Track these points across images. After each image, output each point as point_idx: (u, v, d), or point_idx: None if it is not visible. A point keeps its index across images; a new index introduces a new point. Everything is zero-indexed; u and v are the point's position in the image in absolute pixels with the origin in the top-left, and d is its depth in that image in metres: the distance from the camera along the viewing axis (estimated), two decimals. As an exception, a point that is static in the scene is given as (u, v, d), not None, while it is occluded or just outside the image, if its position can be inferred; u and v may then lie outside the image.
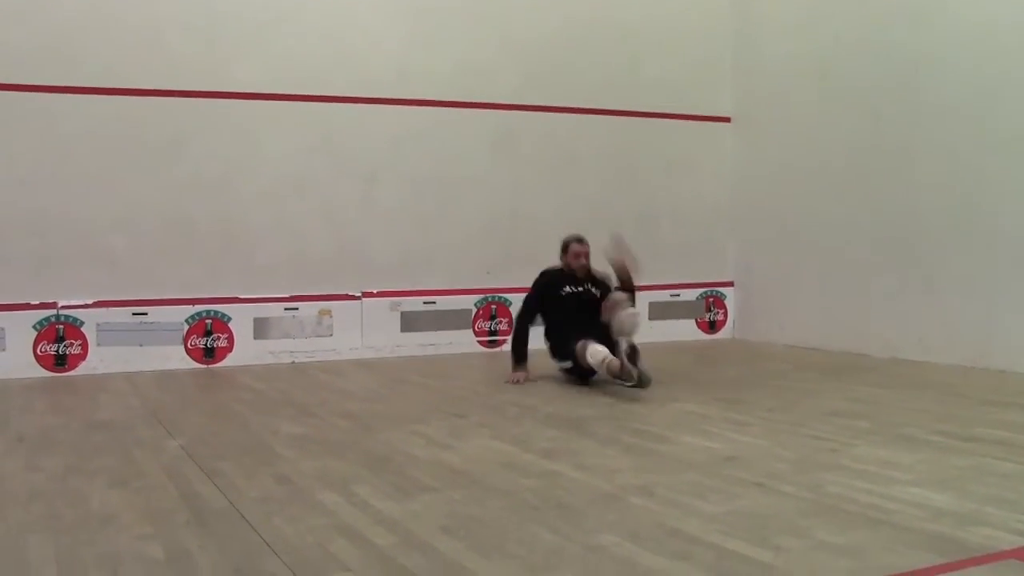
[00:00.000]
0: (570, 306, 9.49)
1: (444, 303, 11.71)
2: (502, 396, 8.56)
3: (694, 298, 12.89)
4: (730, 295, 13.05)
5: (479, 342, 11.84)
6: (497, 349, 11.79)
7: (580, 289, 9.58)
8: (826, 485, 5.25)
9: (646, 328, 11.69)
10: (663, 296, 12.41)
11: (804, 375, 9.75)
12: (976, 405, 7.92)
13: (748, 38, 13.09)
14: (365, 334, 11.33)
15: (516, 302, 11.62)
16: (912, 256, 10.76)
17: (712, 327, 13.00)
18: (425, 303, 11.59)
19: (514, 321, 10.05)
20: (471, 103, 11.81)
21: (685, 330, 12.76)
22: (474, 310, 11.84)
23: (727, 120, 13.00)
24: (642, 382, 8.46)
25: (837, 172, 11.58)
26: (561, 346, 9.30)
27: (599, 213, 11.99)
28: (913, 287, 10.75)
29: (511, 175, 12.10)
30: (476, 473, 5.67)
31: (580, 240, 9.74)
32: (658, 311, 12.39)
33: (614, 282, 9.55)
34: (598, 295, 9.48)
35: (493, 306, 11.88)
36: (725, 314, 13.10)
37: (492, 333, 11.85)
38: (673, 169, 12.51)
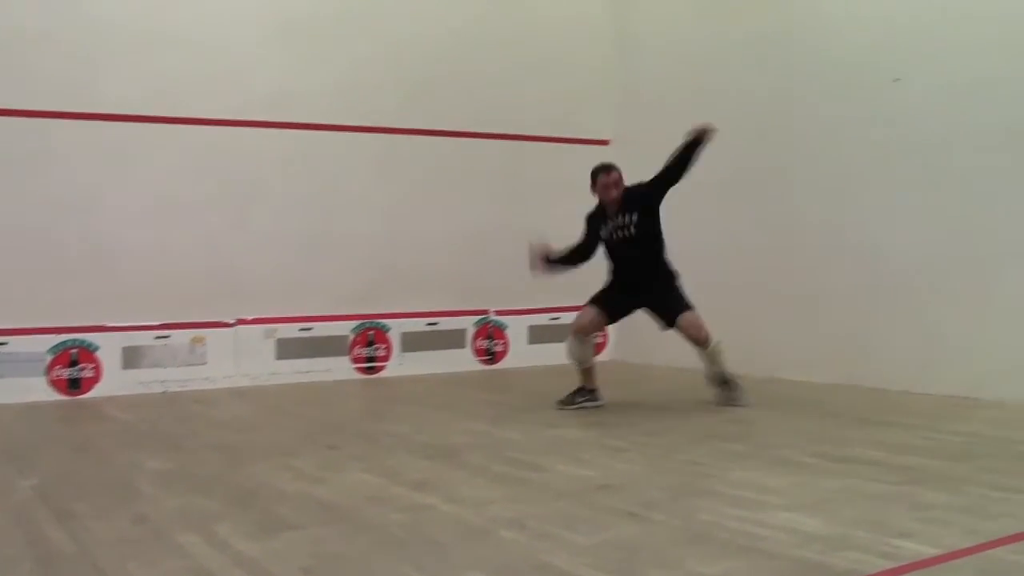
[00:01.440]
0: (612, 249, 9.02)
1: (321, 329, 11.50)
2: (377, 425, 8.46)
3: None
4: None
5: (356, 369, 11.65)
6: (376, 376, 11.62)
7: (619, 222, 8.93)
8: (699, 512, 5.18)
9: (527, 352, 11.67)
10: (543, 319, 12.34)
11: (682, 397, 9.71)
12: (851, 424, 7.97)
13: (628, 60, 13.12)
14: (240, 362, 11.09)
15: (394, 328, 11.60)
16: (789, 274, 10.84)
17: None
18: (301, 329, 11.39)
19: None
20: (351, 126, 11.67)
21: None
22: (351, 336, 11.65)
23: (606, 143, 12.97)
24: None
25: (715, 192, 11.57)
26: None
27: (482, 235, 12.03)
28: (790, 305, 10.81)
29: (391, 198, 11.95)
30: (344, 508, 5.51)
31: (607, 169, 9.00)
32: (538, 334, 12.35)
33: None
34: (636, 220, 8.86)
35: (371, 332, 11.71)
36: (605, 336, 13.04)
37: (370, 360, 11.68)
38: (556, 192, 12.42)
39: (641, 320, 12.14)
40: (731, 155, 11.34)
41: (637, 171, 12.50)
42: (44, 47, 10.38)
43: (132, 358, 10.67)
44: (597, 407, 8.98)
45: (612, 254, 9.06)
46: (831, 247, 10.40)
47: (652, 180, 8.90)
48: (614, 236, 8.97)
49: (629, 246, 8.91)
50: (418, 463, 6.73)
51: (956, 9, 9.31)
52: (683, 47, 12.28)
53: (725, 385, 8.97)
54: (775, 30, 10.99)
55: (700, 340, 8.83)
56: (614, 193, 8.89)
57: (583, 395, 9.04)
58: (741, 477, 6.04)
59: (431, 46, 12.19)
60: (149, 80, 10.78)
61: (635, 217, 8.87)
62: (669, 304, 8.92)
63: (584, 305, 9.17)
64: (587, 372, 9.12)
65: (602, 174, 8.96)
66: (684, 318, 8.82)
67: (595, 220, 9.10)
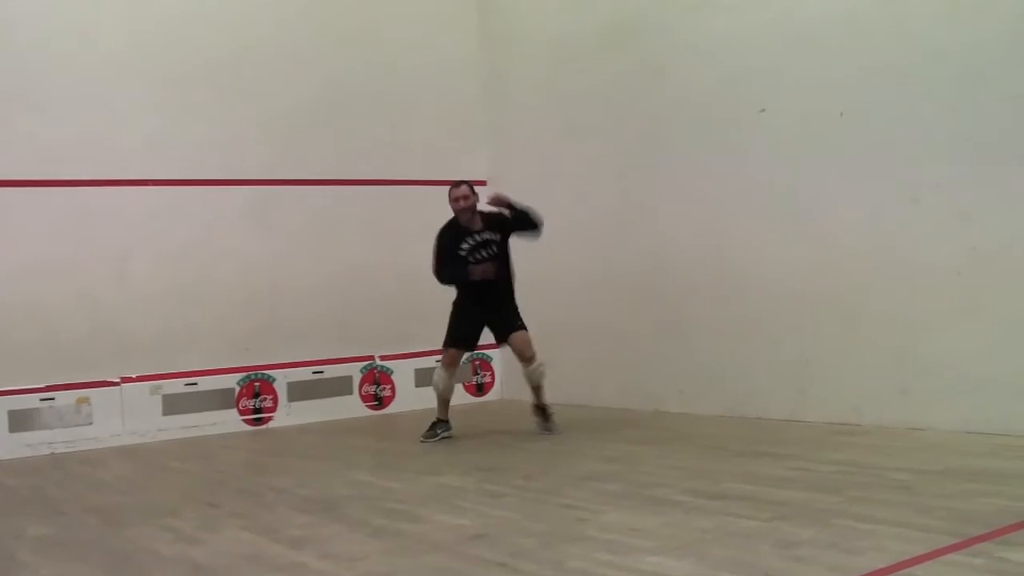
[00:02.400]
0: (474, 263, 9.81)
1: (206, 383, 11.44)
2: (260, 479, 8.44)
3: (461, 362, 12.83)
4: (496, 356, 13.08)
5: (244, 420, 11.60)
6: (264, 427, 11.63)
7: (477, 240, 9.83)
8: (569, 560, 5.27)
9: (414, 395, 11.71)
10: (429, 362, 12.34)
11: (565, 436, 9.79)
12: (729, 457, 8.11)
13: (498, 101, 13.26)
14: (126, 420, 10.99)
15: (280, 378, 11.63)
16: (666, 307, 11.02)
17: (480, 390, 13.03)
18: (187, 384, 11.33)
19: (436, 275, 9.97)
20: (223, 180, 11.64)
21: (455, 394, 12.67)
22: (237, 388, 11.62)
23: (483, 183, 13.08)
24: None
25: (589, 227, 11.77)
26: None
27: (361, 281, 12.11)
28: (669, 338, 10.99)
29: (268, 248, 11.91)
30: (220, 570, 5.55)
31: (456, 184, 9.91)
32: (425, 377, 12.28)
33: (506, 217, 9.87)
34: (497, 239, 9.86)
35: (256, 384, 11.68)
36: (492, 376, 13.15)
37: (257, 411, 11.65)
38: (433, 233, 12.52)
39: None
40: (601, 191, 11.59)
41: (513, 208, 12.67)
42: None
43: (18, 421, 10.55)
44: (450, 436, 10.00)
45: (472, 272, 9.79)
46: (703, 279, 10.60)
47: (510, 219, 9.88)
48: (479, 253, 9.84)
49: (492, 263, 9.80)
50: (298, 518, 6.76)
51: (818, 40, 9.54)
52: (551, 85, 12.47)
53: (542, 413, 10.05)
54: (643, 66, 11.17)
55: (527, 357, 9.88)
56: (462, 204, 9.77)
57: (442, 427, 10.05)
58: (614, 520, 6.14)
59: (298, 96, 12.20)
60: (12, 142, 10.66)
61: (498, 237, 9.86)
62: (508, 320, 9.95)
63: (444, 345, 10.10)
64: (445, 404, 10.15)
65: (452, 189, 9.88)
66: (518, 335, 9.91)
67: (452, 239, 9.86)
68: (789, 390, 9.79)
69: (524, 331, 9.93)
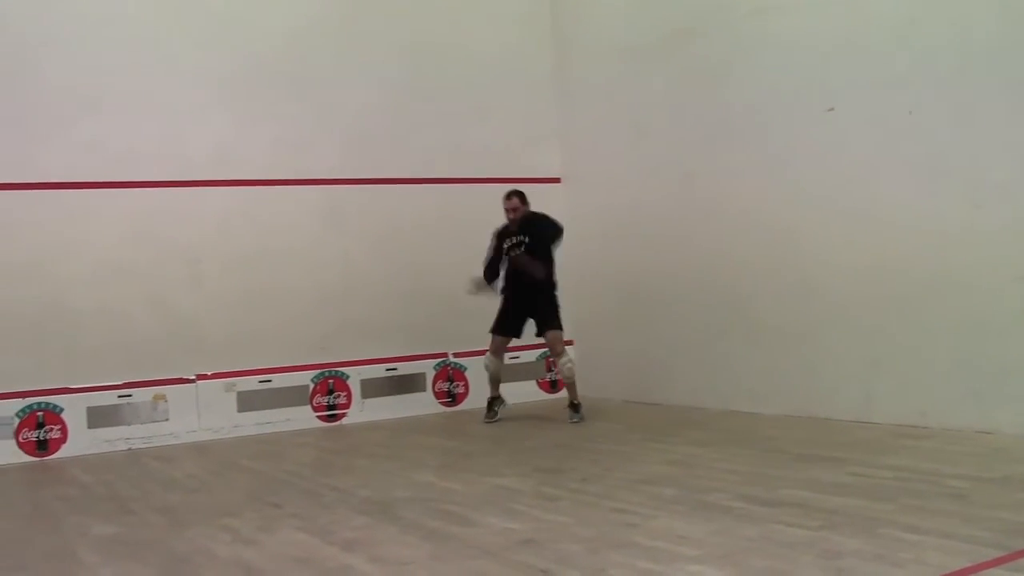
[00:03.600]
0: (509, 260, 11.13)
1: (280, 380, 11.63)
2: (324, 479, 8.55)
3: (534, 359, 12.92)
4: (569, 353, 13.08)
5: (318, 417, 11.78)
6: (337, 423, 11.78)
7: (514, 241, 11.09)
8: (611, 567, 5.31)
9: (486, 392, 11.75)
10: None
11: (631, 436, 9.87)
12: (789, 461, 8.06)
13: (568, 100, 13.33)
14: (202, 416, 11.22)
15: (353, 375, 11.73)
16: (735, 307, 11.00)
17: (554, 386, 13.07)
18: (261, 381, 11.52)
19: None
20: (294, 180, 11.83)
21: (527, 391, 12.79)
22: (311, 385, 11.79)
23: (557, 181, 13.15)
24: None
25: (659, 226, 11.80)
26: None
27: (429, 280, 12.26)
28: (738, 338, 10.97)
29: (339, 247, 12.09)
30: (269, 573, 5.66)
31: (508, 196, 11.13)
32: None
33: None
34: (526, 239, 11.05)
35: (330, 381, 11.84)
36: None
37: (331, 408, 11.82)
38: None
39: (599, 357, 12.37)
40: (669, 190, 11.59)
41: (585, 205, 12.78)
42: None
43: (97, 418, 10.80)
44: (507, 407, 11.52)
45: (509, 264, 11.15)
46: (771, 280, 10.58)
47: (547, 229, 11.17)
48: (514, 250, 11.09)
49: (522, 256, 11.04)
50: (354, 520, 6.87)
51: (887, 40, 9.46)
52: (618, 86, 12.51)
53: (573, 407, 11.13)
54: (707, 68, 11.18)
55: (557, 352, 11.12)
56: (511, 215, 11.10)
57: (498, 403, 11.48)
58: (663, 526, 6.16)
59: (369, 97, 12.35)
60: (90, 147, 10.91)
61: (526, 237, 11.04)
62: (546, 318, 11.06)
63: (491, 331, 11.33)
64: (496, 383, 11.47)
65: (504, 200, 11.12)
66: (552, 334, 11.06)
67: (499, 235, 11.29)
68: (856, 392, 9.72)
69: (558, 330, 11.05)
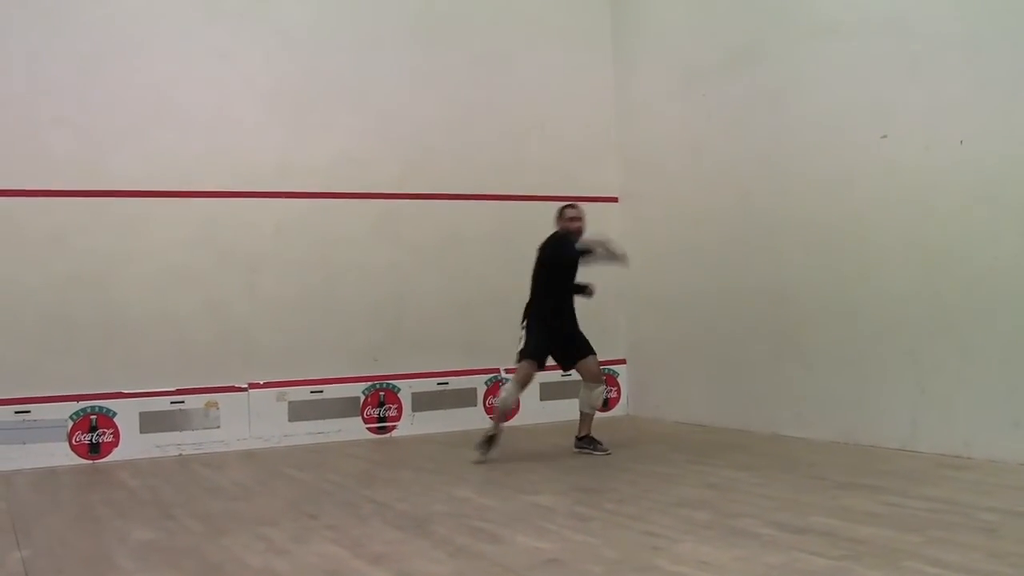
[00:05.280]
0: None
1: (332, 391, 11.75)
2: (364, 491, 8.64)
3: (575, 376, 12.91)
4: (623, 372, 13.16)
5: (368, 429, 11.88)
6: (387, 435, 11.89)
7: None
8: (628, 590, 5.34)
9: (538, 410, 11.79)
10: (555, 376, 12.39)
11: (675, 456, 9.89)
12: (826, 488, 8.02)
13: (627, 119, 13.38)
14: (253, 425, 11.36)
15: (404, 388, 11.83)
16: (784, 331, 10.98)
17: (605, 404, 13.01)
18: (312, 392, 11.64)
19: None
20: (351, 193, 11.96)
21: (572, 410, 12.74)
22: (362, 397, 11.89)
23: (615, 200, 13.18)
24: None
25: (714, 248, 11.82)
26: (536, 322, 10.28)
27: (484, 295, 12.32)
28: (788, 361, 10.95)
29: (394, 261, 12.21)
30: (297, 585, 5.75)
31: (573, 206, 10.32)
32: (550, 391, 12.41)
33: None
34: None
35: (381, 393, 11.95)
36: (619, 391, 13.20)
37: (381, 420, 11.92)
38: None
39: (652, 377, 12.37)
40: (726, 212, 11.58)
41: (642, 225, 12.79)
42: (56, 130, 10.80)
43: (149, 423, 10.97)
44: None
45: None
46: (822, 304, 10.53)
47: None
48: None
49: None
50: (387, 534, 6.94)
51: (936, 66, 9.41)
52: (677, 107, 12.55)
53: (592, 440, 10.24)
54: (765, 90, 11.16)
55: (601, 380, 10.42)
56: (579, 224, 10.18)
57: (497, 437, 10.07)
58: (688, 551, 6.17)
59: (429, 113, 12.48)
60: (153, 156, 11.17)
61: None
62: (582, 344, 10.28)
63: (523, 357, 10.25)
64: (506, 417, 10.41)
65: (568, 209, 10.30)
66: (594, 359, 10.27)
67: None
68: (902, 419, 9.66)
69: (596, 355, 10.30)
